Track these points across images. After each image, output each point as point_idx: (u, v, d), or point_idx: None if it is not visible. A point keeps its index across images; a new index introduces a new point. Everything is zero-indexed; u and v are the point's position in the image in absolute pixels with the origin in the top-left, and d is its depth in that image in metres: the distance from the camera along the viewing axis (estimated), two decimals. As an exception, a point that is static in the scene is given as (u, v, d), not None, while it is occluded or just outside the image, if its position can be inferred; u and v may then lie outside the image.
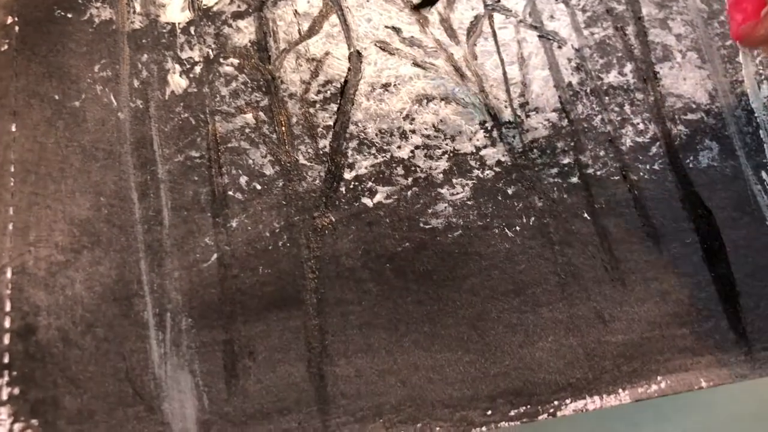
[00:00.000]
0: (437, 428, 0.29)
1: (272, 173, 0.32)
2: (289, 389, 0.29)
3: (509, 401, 0.29)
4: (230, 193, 0.32)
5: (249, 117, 0.33)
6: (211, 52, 0.34)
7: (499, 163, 0.33)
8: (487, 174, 0.33)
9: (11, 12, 0.34)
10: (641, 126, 0.34)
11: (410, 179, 0.32)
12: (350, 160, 0.33)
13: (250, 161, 0.32)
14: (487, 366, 0.30)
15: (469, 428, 0.29)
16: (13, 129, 0.32)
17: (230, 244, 0.31)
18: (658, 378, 0.30)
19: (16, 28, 0.34)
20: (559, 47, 0.35)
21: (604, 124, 0.34)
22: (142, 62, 0.34)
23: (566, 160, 0.33)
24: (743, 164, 0.33)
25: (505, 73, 0.34)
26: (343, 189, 0.32)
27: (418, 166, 0.33)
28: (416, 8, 0.34)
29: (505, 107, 0.34)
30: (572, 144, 0.33)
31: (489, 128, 0.33)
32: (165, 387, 0.29)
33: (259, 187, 0.32)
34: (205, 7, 0.35)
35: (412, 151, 0.33)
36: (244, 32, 0.35)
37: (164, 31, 0.35)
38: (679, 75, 0.35)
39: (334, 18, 0.35)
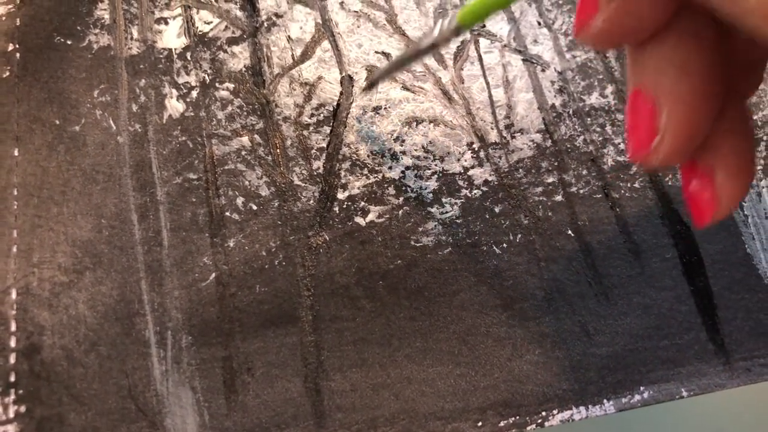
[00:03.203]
0: (430, 439, 0.30)
1: (268, 194, 0.33)
2: (286, 404, 0.30)
3: (499, 413, 0.30)
4: (227, 213, 0.33)
5: (245, 140, 0.34)
6: (207, 77, 0.35)
7: (486, 182, 0.34)
8: (475, 193, 0.34)
9: (12, 39, 0.35)
10: (622, 146, 0.35)
11: (401, 199, 0.34)
12: (343, 181, 0.34)
13: (247, 183, 0.33)
14: (477, 379, 0.31)
15: (461, 439, 0.30)
16: (16, 153, 0.33)
17: (228, 263, 0.32)
18: (641, 388, 0.31)
19: (18, 54, 0.35)
20: (543, 70, 0.36)
21: (587, 145, 0.35)
22: (140, 87, 0.35)
23: (550, 179, 0.34)
24: (720, 181, 0.35)
25: (490, 96, 0.36)
26: (336, 209, 0.33)
27: (409, 186, 0.34)
28: (367, 89, 0.35)
29: (491, 129, 0.35)
30: (556, 164, 0.34)
31: (476, 149, 0.35)
32: (167, 403, 0.30)
33: (255, 207, 0.33)
34: (200, 33, 0.36)
35: (402, 172, 0.34)
36: (239, 57, 0.36)
37: (161, 56, 0.36)
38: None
39: (326, 44, 0.36)
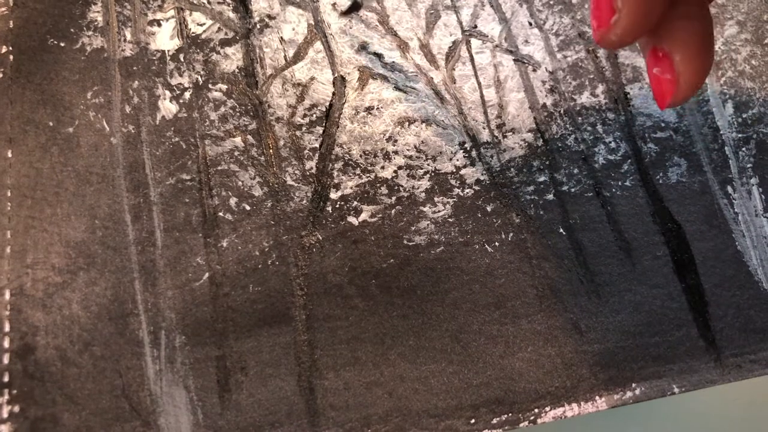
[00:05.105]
0: (423, 437, 0.30)
1: (261, 194, 0.33)
2: (280, 403, 0.30)
3: (491, 410, 0.31)
4: (220, 214, 0.33)
5: (238, 140, 0.34)
6: (200, 79, 0.35)
7: (478, 181, 0.34)
8: (467, 192, 0.34)
9: (6, 41, 0.35)
10: (613, 144, 0.35)
11: (394, 198, 0.34)
12: (336, 181, 0.34)
13: (240, 183, 0.34)
14: (470, 376, 0.31)
15: (454, 436, 0.30)
16: (9, 155, 0.33)
17: (221, 263, 0.32)
18: (633, 385, 0.31)
19: (11, 57, 0.35)
20: (534, 70, 0.37)
21: (578, 143, 0.35)
22: (133, 89, 0.35)
23: (542, 178, 0.34)
24: (710, 179, 0.35)
25: (482, 96, 0.36)
26: (329, 208, 0.33)
27: (401, 186, 0.34)
28: (345, 14, 0.35)
29: (483, 128, 0.35)
30: (547, 162, 0.35)
31: (468, 149, 0.35)
32: (160, 403, 0.30)
33: (248, 207, 0.33)
34: (193, 34, 0.36)
35: (395, 171, 0.34)
36: (232, 59, 0.36)
37: (154, 58, 0.36)
38: (648, 95, 0.36)
39: (318, 45, 0.37)
